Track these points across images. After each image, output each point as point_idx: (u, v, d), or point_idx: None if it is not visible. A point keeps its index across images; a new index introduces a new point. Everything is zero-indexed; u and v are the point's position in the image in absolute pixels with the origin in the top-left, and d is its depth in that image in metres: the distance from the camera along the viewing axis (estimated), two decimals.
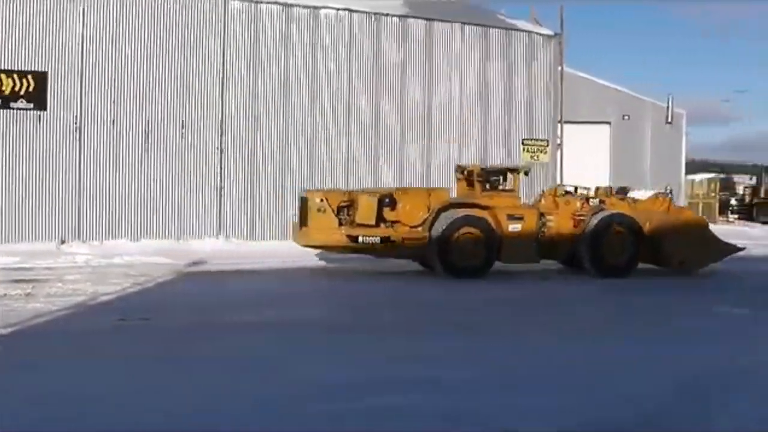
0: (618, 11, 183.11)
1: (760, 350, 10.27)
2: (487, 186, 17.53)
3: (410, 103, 24.29)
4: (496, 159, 24.61)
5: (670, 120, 39.25)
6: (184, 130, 21.99)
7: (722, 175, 55.14)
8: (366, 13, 23.84)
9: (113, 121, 21.35)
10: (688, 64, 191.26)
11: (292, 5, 22.95)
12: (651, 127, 39.37)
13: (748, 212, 46.55)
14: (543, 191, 19.55)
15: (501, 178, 17.87)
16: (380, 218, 16.78)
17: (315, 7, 23.19)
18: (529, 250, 17.10)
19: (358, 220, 16.62)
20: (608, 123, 39.18)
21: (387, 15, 24.03)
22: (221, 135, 22.40)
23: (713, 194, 42.55)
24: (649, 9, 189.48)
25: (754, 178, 52.16)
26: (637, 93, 40.40)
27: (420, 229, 16.76)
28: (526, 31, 26.10)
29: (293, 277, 17.31)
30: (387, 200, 16.78)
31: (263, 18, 22.77)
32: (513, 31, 25.80)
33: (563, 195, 18.29)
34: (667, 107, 39.39)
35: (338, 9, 23.47)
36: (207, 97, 22.31)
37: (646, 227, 17.54)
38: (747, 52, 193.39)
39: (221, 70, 22.38)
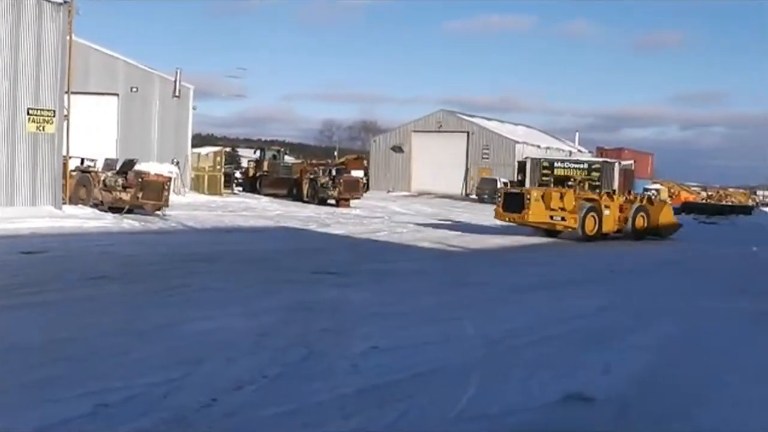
0: None
1: None
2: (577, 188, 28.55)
3: None
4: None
5: (177, 94, 40.28)
6: None
7: (228, 149, 57.71)
8: None
9: None
10: (198, 41, 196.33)
11: None
12: (159, 100, 40.19)
13: (252, 185, 49.20)
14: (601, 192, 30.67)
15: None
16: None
17: None
18: (613, 226, 27.46)
19: (551, 206, 25.94)
20: (117, 95, 39.36)
21: None
22: None
23: (219, 167, 44.19)
24: None
25: (259, 152, 55.32)
26: (146, 66, 40.95)
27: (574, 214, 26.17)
28: None
29: None
30: (561, 194, 26.25)
31: None
32: None
33: (613, 192, 31.41)
34: (175, 81, 40.37)
35: None
36: None
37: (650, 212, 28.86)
38: (252, 34, 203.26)
39: None
